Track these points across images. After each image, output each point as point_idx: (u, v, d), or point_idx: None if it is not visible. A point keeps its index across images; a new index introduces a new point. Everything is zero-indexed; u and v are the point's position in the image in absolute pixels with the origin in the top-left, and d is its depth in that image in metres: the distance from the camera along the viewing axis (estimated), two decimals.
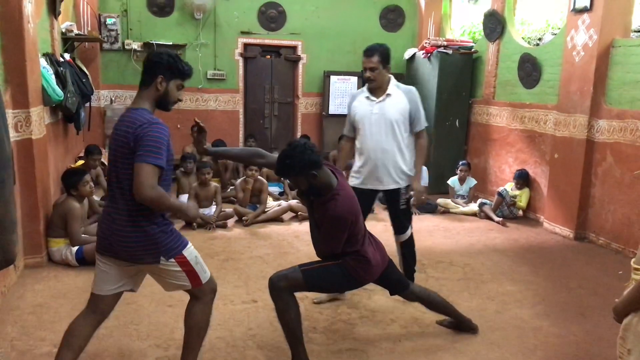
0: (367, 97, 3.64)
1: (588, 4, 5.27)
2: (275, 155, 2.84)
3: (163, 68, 2.45)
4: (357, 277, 2.90)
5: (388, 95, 3.60)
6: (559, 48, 5.85)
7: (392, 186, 3.70)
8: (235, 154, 3.25)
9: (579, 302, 3.96)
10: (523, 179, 6.34)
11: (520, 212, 6.42)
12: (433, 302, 3.30)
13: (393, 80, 3.66)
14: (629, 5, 5.28)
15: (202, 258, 2.58)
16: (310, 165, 2.66)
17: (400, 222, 3.83)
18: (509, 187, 6.42)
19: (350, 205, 2.77)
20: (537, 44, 7.07)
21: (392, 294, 3.24)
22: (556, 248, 5.32)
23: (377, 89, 3.62)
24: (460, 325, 3.37)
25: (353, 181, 3.74)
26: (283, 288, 2.77)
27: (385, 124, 3.59)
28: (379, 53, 3.51)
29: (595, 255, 5.11)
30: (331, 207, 2.70)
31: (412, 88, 3.73)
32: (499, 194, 6.30)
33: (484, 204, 6.38)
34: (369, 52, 3.52)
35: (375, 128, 3.61)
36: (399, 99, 3.61)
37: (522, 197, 6.32)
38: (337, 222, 2.72)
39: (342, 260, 2.84)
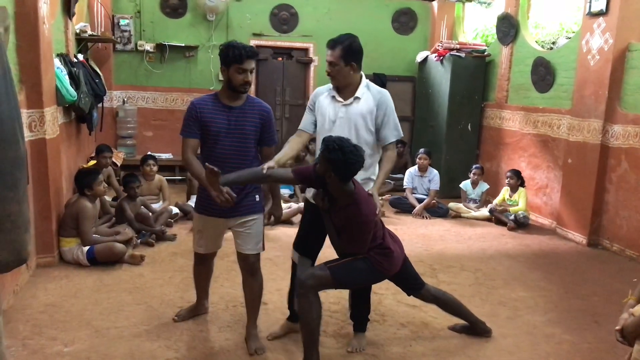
0: (333, 97, 3.12)
1: (604, 8, 5.22)
2: (281, 170, 2.87)
3: (222, 59, 2.85)
4: (382, 270, 2.93)
5: (356, 98, 3.07)
6: (574, 52, 5.80)
7: None
8: (245, 179, 2.94)
9: (592, 309, 3.91)
10: (517, 177, 6.16)
11: (524, 216, 6.05)
12: (448, 303, 3.30)
13: (364, 81, 3.12)
14: None
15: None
16: (343, 165, 2.64)
17: None
18: (504, 195, 6.27)
19: (370, 207, 2.82)
20: (551, 48, 7.03)
21: (409, 293, 3.23)
22: (569, 254, 5.26)
23: (344, 90, 3.09)
24: (474, 328, 3.35)
25: (309, 193, 3.17)
26: (311, 286, 2.79)
27: (349, 130, 3.04)
28: (342, 47, 2.96)
29: (608, 262, 5.05)
30: (354, 213, 2.74)
31: (384, 91, 3.17)
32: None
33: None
34: (330, 43, 3.00)
35: (339, 133, 3.00)
36: (368, 103, 3.09)
37: (520, 200, 6.12)
38: (364, 226, 2.78)
39: (367, 255, 2.88)
